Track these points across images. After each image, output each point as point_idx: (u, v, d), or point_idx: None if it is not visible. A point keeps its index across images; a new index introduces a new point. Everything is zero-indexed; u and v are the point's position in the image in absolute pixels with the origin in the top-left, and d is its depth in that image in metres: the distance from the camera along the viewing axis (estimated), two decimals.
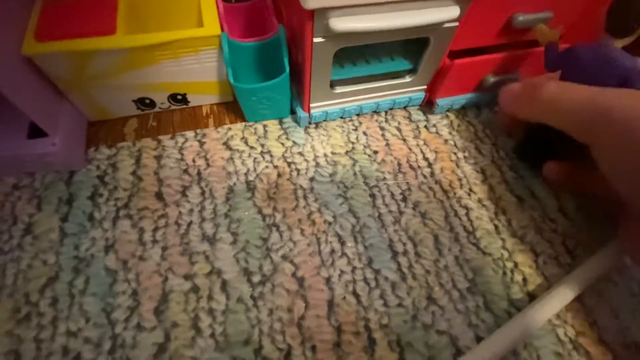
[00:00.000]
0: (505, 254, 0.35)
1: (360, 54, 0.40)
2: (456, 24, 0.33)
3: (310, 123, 0.41)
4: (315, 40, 0.31)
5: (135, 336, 0.28)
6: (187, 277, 0.31)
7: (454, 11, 0.31)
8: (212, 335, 0.29)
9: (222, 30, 0.34)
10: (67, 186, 0.35)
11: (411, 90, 0.42)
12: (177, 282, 0.31)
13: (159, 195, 0.35)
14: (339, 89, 0.38)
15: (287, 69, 0.35)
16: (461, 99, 0.43)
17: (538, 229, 0.36)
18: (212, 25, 0.34)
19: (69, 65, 0.32)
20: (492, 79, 0.40)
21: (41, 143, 0.33)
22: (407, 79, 0.40)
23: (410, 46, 0.39)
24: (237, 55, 0.36)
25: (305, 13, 0.28)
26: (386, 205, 0.36)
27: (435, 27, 0.33)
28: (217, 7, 0.36)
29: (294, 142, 0.40)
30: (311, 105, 0.39)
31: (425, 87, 0.42)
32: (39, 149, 0.33)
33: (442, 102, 0.42)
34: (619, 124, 0.25)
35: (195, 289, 0.30)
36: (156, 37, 0.32)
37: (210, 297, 0.30)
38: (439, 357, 0.29)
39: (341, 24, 0.29)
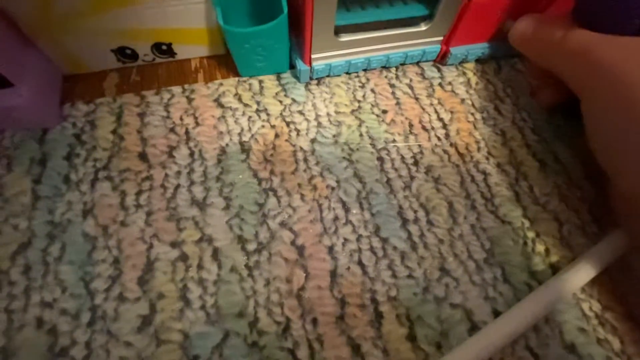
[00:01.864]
0: (527, 223, 0.31)
1: None
2: None
3: (311, 78, 0.37)
4: None
5: (117, 308, 0.25)
6: (174, 244, 0.28)
7: None
8: (203, 307, 0.26)
9: None
10: (40, 145, 0.31)
11: (426, 41, 0.37)
12: (164, 250, 0.28)
13: (143, 156, 0.31)
14: (344, 37, 0.34)
15: (286, 10, 0.30)
16: (477, 48, 0.38)
17: (563, 196, 0.33)
18: None
19: (33, 3, 0.28)
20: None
21: (6, 94, 0.29)
22: (423, 27, 0.35)
23: None
24: None
25: None
26: (395, 169, 0.33)
27: None
28: None
29: (294, 100, 0.36)
30: (313, 56, 0.34)
31: (441, 38, 0.37)
32: (4, 101, 0.29)
33: (456, 51, 0.37)
34: (619, 82, 0.21)
35: (183, 257, 0.27)
36: None
37: (200, 266, 0.27)
38: (452, 332, 0.26)
39: None
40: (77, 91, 0.35)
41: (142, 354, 0.24)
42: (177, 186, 0.30)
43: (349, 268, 0.28)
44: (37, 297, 0.25)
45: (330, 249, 0.29)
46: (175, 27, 0.33)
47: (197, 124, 0.34)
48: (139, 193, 0.30)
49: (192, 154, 0.32)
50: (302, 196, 0.31)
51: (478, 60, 0.41)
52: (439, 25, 0.35)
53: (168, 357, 0.24)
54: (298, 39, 0.35)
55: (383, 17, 0.34)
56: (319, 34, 0.32)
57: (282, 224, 0.29)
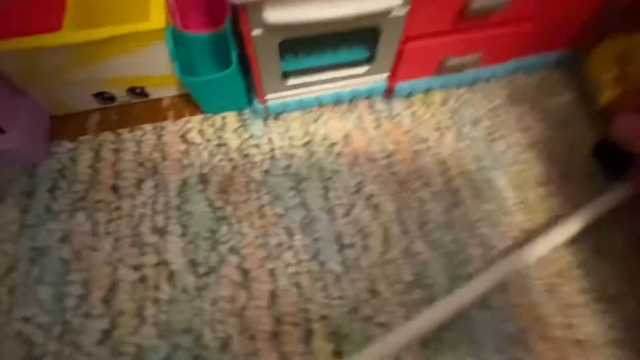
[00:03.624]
0: (457, 248, 0.34)
1: (316, 42, 0.39)
2: (403, 12, 0.32)
3: (269, 114, 0.41)
4: (254, 33, 0.30)
5: (83, 323, 0.30)
6: (136, 267, 0.32)
7: (395, 1, 0.30)
8: (155, 323, 0.30)
9: (174, 20, 0.34)
10: (29, 179, 0.36)
11: (371, 79, 0.40)
12: (126, 272, 0.32)
13: (115, 188, 0.36)
14: (293, 80, 0.38)
15: (235, 62, 0.34)
16: (422, 82, 0.41)
17: (493, 222, 0.36)
18: (158, 18, 0.34)
19: (19, 62, 0.33)
20: (451, 61, 0.38)
21: None
22: (365, 67, 0.39)
23: (367, 34, 0.38)
24: (191, 46, 0.36)
25: (238, 6, 0.28)
26: (339, 197, 0.36)
27: (382, 16, 0.32)
28: None
29: (252, 135, 0.40)
30: (267, 96, 0.38)
31: (387, 75, 0.41)
32: None
33: (401, 86, 0.41)
34: None
35: (143, 278, 0.32)
36: (96, 33, 0.32)
37: (156, 287, 0.31)
38: None
39: (275, 16, 0.28)
40: (64, 129, 0.40)
41: None
42: (142, 215, 0.35)
43: (287, 290, 0.32)
44: (20, 313, 0.30)
45: (272, 272, 0.32)
46: (145, 74, 0.38)
47: (164, 158, 0.38)
48: (109, 221, 0.34)
49: (157, 186, 0.36)
50: (252, 223, 0.35)
51: (427, 92, 0.44)
52: (381, 65, 0.39)
53: None
54: (251, 82, 0.39)
55: (327, 61, 0.38)
56: (268, 79, 0.36)
57: (231, 249, 0.33)
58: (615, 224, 0.35)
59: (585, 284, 0.33)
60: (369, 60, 0.38)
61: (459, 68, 0.41)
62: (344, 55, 0.38)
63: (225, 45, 0.36)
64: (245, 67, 0.37)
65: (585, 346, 0.30)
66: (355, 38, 0.39)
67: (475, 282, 0.31)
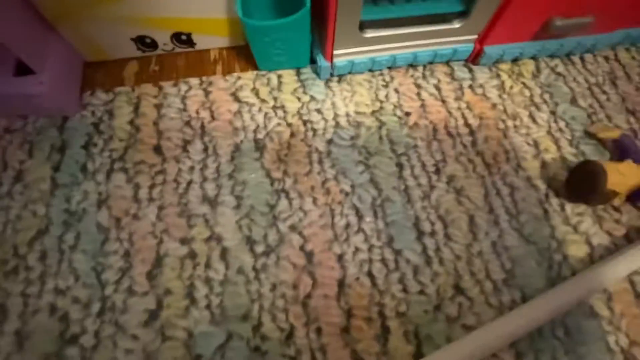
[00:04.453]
0: (554, 245, 0.29)
1: None
2: None
3: (332, 75, 0.35)
4: None
5: (126, 300, 0.26)
6: (184, 241, 0.28)
7: None
8: (208, 306, 0.26)
9: None
10: (60, 132, 0.32)
11: (458, 39, 0.34)
12: (173, 246, 0.28)
13: (158, 149, 0.31)
14: (370, 33, 0.31)
15: (308, 3, 0.28)
16: (515, 47, 0.35)
17: (597, 217, 0.30)
18: None
19: None
20: (559, 22, 0.32)
21: (27, 81, 0.29)
22: (456, 24, 0.32)
23: None
24: None
25: None
26: (415, 177, 0.31)
27: None
28: None
29: (312, 97, 0.34)
30: (335, 52, 0.33)
31: (475, 36, 0.34)
32: (26, 89, 0.29)
33: (491, 50, 0.34)
34: None
35: (192, 254, 0.27)
36: None
37: (208, 265, 0.27)
38: None
39: None
40: (98, 79, 0.35)
41: (147, 348, 0.24)
42: (190, 182, 0.30)
43: (358, 278, 0.27)
44: (52, 284, 0.26)
45: (340, 257, 0.28)
46: (194, 16, 0.32)
47: (213, 118, 0.33)
48: (152, 186, 0.30)
49: (206, 149, 0.31)
50: (315, 200, 0.30)
51: (515, 61, 0.37)
52: (475, 22, 0.32)
53: (171, 354, 0.24)
54: (320, 33, 0.33)
55: (413, 12, 0.31)
56: (343, 29, 0.30)
57: (292, 228, 0.29)
58: None
59: None
60: (463, 14, 0.32)
61: (563, 33, 0.34)
62: (432, 6, 0.32)
63: None
64: (313, 17, 0.31)
65: None
66: None
67: (579, 279, 0.26)
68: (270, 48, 0.32)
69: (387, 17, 0.31)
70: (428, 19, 0.32)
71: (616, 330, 0.26)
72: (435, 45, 0.34)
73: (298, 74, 0.36)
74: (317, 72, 0.35)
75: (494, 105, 0.35)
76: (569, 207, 0.31)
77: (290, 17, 0.28)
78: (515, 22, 0.32)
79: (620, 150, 0.32)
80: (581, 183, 0.29)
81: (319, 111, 0.34)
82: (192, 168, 0.31)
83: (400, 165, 0.32)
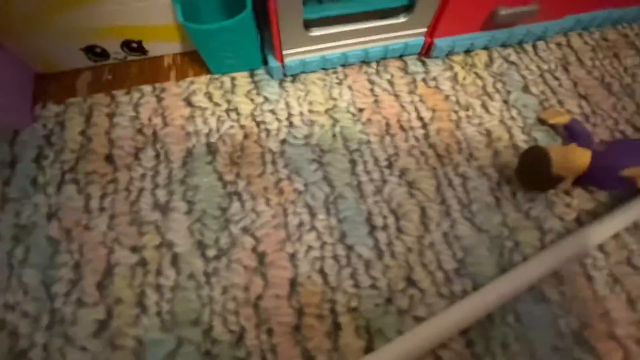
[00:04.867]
0: (505, 232, 0.29)
1: None
2: None
3: (285, 75, 0.35)
4: None
5: (75, 312, 0.26)
6: (134, 249, 0.28)
7: None
8: (159, 313, 0.26)
9: None
10: (10, 147, 0.31)
11: (407, 34, 0.34)
12: (124, 255, 0.28)
13: (109, 158, 0.31)
14: (315, 32, 0.32)
15: (249, 5, 0.29)
16: (465, 39, 0.35)
17: (549, 202, 0.31)
18: None
19: None
20: (504, 12, 0.32)
21: None
22: (402, 18, 0.33)
23: None
24: None
25: None
26: (368, 172, 0.31)
27: None
28: None
29: (266, 98, 0.34)
30: (284, 52, 0.33)
31: (425, 30, 0.35)
32: None
33: (441, 42, 0.35)
34: None
35: (143, 262, 0.27)
36: None
37: (158, 272, 0.27)
38: None
39: None
40: (50, 91, 0.35)
41: (96, 358, 0.24)
42: (141, 189, 0.30)
43: (309, 277, 0.27)
44: (1, 300, 0.26)
45: (292, 257, 0.28)
46: (142, 24, 0.32)
47: (166, 124, 0.33)
48: (103, 196, 0.30)
49: (157, 156, 0.31)
50: (268, 200, 0.30)
51: (468, 52, 0.38)
52: (421, 15, 0.33)
53: None
54: (268, 34, 0.33)
55: (357, 8, 0.31)
56: (287, 29, 0.30)
57: (245, 230, 0.29)
58: None
59: None
60: (408, 8, 0.32)
61: (511, 22, 0.34)
62: (376, 2, 0.32)
63: None
64: (261, 17, 0.31)
65: None
66: None
67: (528, 265, 0.27)
68: (218, 51, 0.32)
69: (332, 14, 0.31)
70: (374, 15, 0.32)
71: (567, 313, 0.27)
72: (386, 40, 0.35)
73: (252, 75, 0.36)
74: (270, 73, 0.35)
75: (446, 97, 0.35)
76: (520, 194, 0.31)
77: (230, 20, 0.28)
78: (461, 15, 0.33)
79: (570, 135, 0.33)
80: (528, 169, 0.29)
81: (272, 112, 0.34)
82: (143, 175, 0.31)
83: (353, 162, 0.32)
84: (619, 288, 0.27)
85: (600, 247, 0.29)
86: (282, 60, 0.33)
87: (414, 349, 0.24)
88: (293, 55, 0.33)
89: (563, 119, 0.33)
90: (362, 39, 0.34)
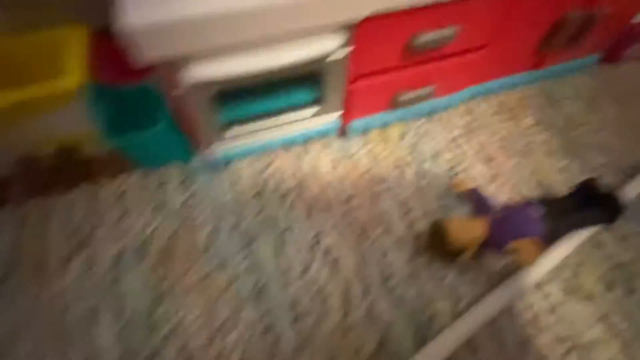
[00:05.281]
0: (422, 303, 0.31)
1: (258, 88, 0.36)
2: (343, 55, 0.29)
3: (214, 165, 0.37)
4: (175, 93, 0.27)
5: None
6: None
7: (330, 44, 0.27)
8: None
9: (95, 74, 0.30)
10: None
11: (323, 119, 0.38)
12: None
13: (40, 266, 0.32)
14: (235, 130, 0.34)
15: (165, 117, 0.31)
16: (377, 118, 0.39)
17: (460, 269, 0.33)
18: (74, 74, 0.30)
19: None
20: (403, 97, 0.36)
21: None
22: (314, 109, 0.36)
23: (313, 75, 0.35)
24: (115, 101, 0.33)
25: (155, 65, 0.24)
26: (294, 254, 0.33)
27: (320, 61, 0.29)
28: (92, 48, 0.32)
29: (194, 192, 0.36)
30: (209, 147, 0.35)
31: (340, 113, 0.38)
32: None
33: (356, 123, 0.38)
34: None
35: None
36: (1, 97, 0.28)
37: None
38: None
39: (196, 73, 0.25)
40: None
41: None
42: (68, 301, 0.30)
43: None
44: None
45: (220, 354, 0.29)
46: (71, 132, 0.34)
47: (97, 225, 0.34)
48: (33, 308, 0.30)
49: (88, 261, 0.32)
50: (195, 298, 0.31)
51: (383, 127, 0.41)
52: (331, 105, 0.36)
53: None
54: (189, 134, 0.36)
55: (271, 106, 0.35)
56: (205, 132, 0.33)
57: (172, 332, 0.29)
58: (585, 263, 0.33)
59: (560, 331, 0.30)
60: (317, 101, 0.36)
61: (413, 102, 0.39)
62: (290, 98, 0.35)
63: (155, 99, 0.33)
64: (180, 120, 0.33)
65: None
66: (301, 80, 0.36)
67: (441, 340, 0.28)
68: (144, 153, 0.34)
69: (248, 114, 0.34)
70: (290, 108, 0.36)
71: None
72: (304, 127, 0.38)
73: (183, 166, 0.38)
74: (199, 166, 0.37)
75: (365, 172, 0.38)
76: (435, 262, 0.33)
77: (146, 131, 0.31)
78: (365, 102, 0.37)
79: (476, 202, 0.36)
80: (433, 241, 0.32)
81: (201, 203, 0.36)
82: (73, 281, 0.31)
83: (280, 246, 0.34)
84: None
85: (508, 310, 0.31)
86: (208, 154, 0.36)
87: None
88: (220, 147, 0.36)
89: (466, 187, 0.36)
90: (282, 130, 0.37)
